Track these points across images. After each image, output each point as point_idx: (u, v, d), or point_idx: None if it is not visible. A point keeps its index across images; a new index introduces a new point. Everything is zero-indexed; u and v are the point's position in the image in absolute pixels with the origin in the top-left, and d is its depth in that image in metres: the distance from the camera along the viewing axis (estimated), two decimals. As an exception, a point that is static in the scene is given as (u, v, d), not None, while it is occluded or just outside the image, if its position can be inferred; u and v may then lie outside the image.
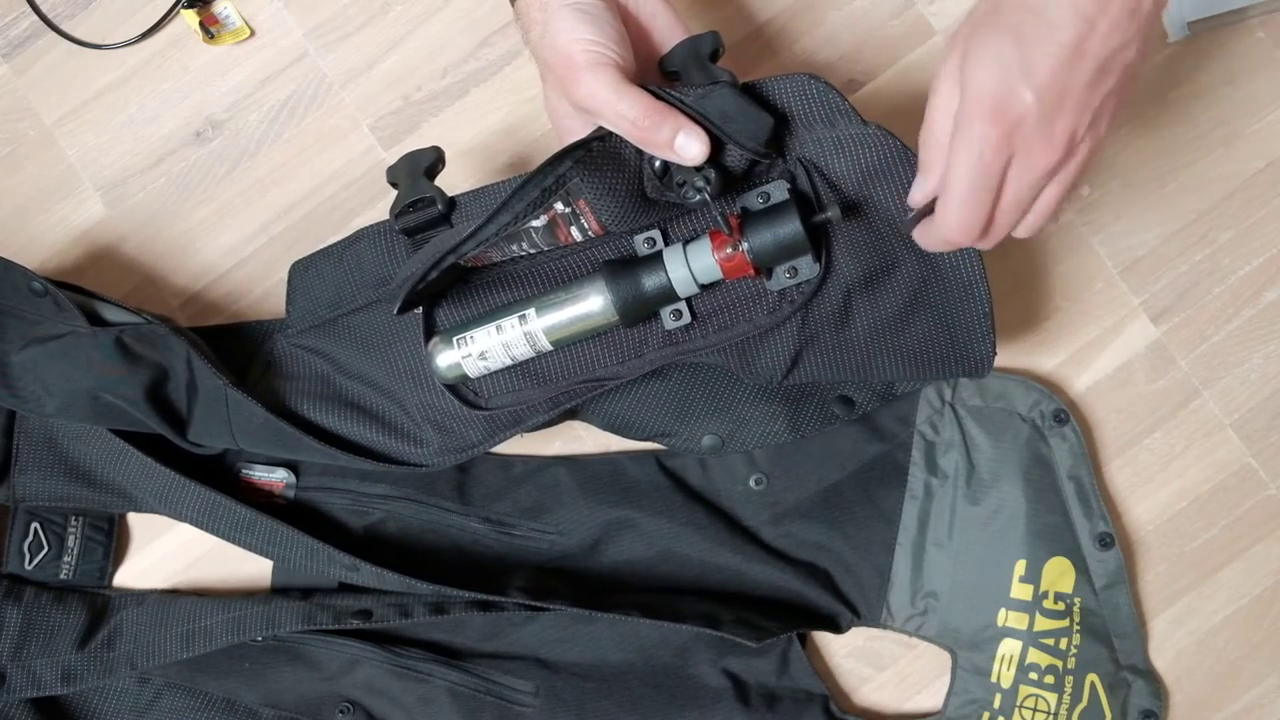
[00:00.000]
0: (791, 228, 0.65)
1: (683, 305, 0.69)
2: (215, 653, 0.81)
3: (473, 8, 0.86)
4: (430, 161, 0.74)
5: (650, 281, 0.68)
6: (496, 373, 0.73)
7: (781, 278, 0.68)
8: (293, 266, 0.82)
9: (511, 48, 0.86)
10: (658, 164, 0.65)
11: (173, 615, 0.80)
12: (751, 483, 0.83)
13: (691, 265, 0.67)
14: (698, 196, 0.64)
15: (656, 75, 0.67)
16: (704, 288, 0.69)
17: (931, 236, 0.61)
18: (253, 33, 0.87)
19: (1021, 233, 0.60)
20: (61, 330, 0.77)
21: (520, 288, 0.73)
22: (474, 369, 0.72)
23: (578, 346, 0.72)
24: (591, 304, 0.69)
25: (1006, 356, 0.84)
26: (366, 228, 0.79)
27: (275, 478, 0.84)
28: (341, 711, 0.82)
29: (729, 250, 0.66)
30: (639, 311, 0.69)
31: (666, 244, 0.70)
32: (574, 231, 0.68)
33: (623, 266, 0.68)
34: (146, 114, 0.87)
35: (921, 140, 0.60)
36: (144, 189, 0.87)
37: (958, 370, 0.72)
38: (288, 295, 0.82)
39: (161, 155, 0.87)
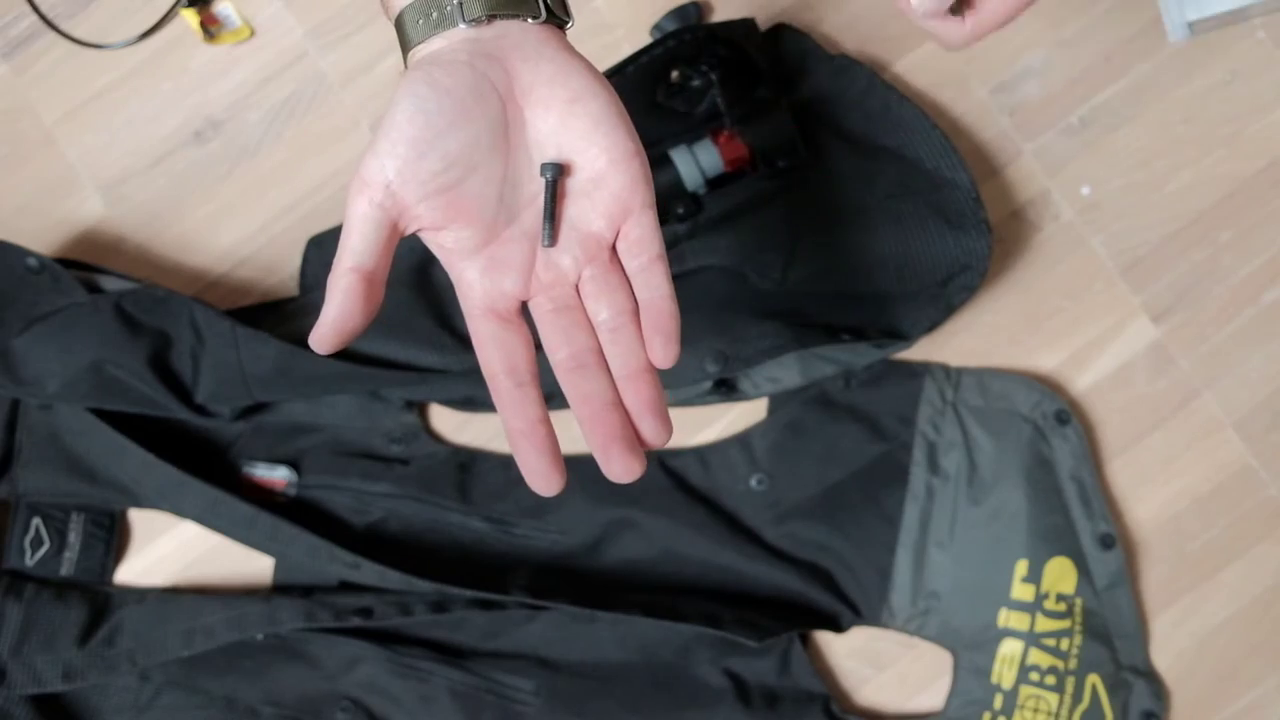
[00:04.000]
0: (780, 116, 0.79)
1: (688, 200, 0.79)
2: (216, 651, 0.81)
3: (473, 8, 0.87)
4: None
5: (660, 177, 0.77)
6: None
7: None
8: (310, 241, 0.85)
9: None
10: (674, 74, 0.79)
11: (174, 612, 0.80)
12: (753, 482, 0.83)
13: (698, 157, 0.78)
14: (699, 81, 0.78)
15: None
16: (708, 183, 0.79)
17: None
18: (253, 33, 0.87)
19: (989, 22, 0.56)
20: (61, 304, 0.77)
21: None
22: None
23: None
24: None
25: (1007, 356, 0.84)
26: None
27: (277, 475, 0.84)
28: (342, 710, 0.81)
29: (727, 140, 0.79)
30: None
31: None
32: None
33: None
34: (146, 114, 0.87)
35: None
36: (144, 189, 0.87)
37: (955, 262, 0.77)
38: (301, 269, 0.84)
39: (161, 155, 0.87)
